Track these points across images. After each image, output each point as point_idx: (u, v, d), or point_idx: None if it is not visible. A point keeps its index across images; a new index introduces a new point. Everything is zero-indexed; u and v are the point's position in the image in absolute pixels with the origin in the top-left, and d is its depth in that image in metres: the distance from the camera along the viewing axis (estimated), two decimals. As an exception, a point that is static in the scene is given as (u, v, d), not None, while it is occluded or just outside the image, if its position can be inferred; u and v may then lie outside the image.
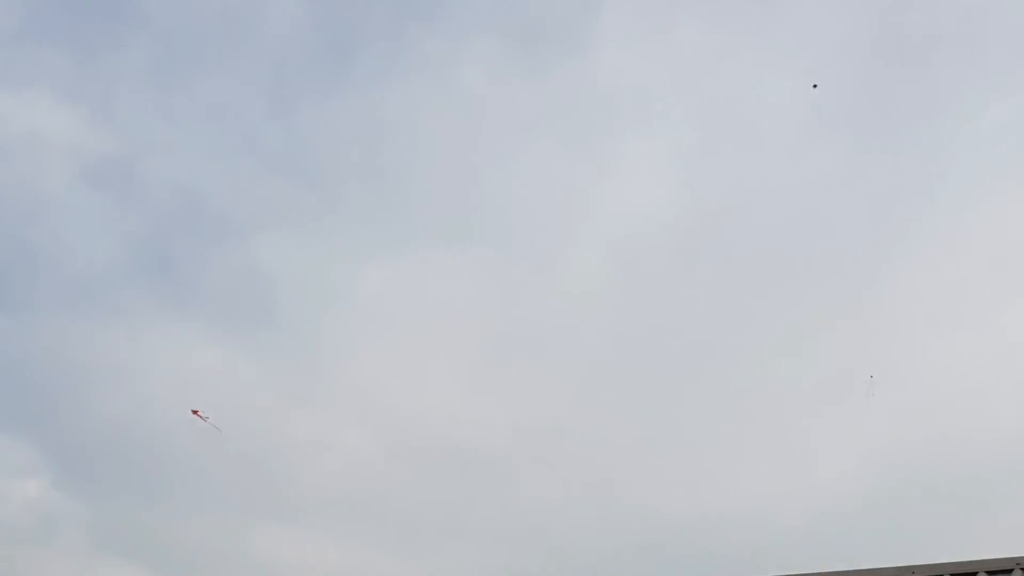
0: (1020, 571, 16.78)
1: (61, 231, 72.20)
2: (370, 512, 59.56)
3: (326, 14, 75.83)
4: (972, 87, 68.19)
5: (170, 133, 73.88)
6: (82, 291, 70.46)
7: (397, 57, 74.76)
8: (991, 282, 62.69)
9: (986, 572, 17.01)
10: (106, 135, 72.94)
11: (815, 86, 46.22)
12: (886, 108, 66.32)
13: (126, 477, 62.12)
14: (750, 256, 66.12)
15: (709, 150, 70.30)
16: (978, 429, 56.01)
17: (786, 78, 67.81)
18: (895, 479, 54.73)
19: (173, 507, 60.02)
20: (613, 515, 55.78)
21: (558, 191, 71.05)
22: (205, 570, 55.92)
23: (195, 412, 43.64)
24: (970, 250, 63.02)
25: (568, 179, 71.22)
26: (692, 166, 70.11)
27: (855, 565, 18.33)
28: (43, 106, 71.88)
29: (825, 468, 56.51)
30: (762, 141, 67.75)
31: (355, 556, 56.69)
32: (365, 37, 75.59)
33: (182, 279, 72.13)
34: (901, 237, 63.55)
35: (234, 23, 75.51)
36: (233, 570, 55.59)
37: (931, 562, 17.66)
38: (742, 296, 64.86)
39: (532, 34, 74.18)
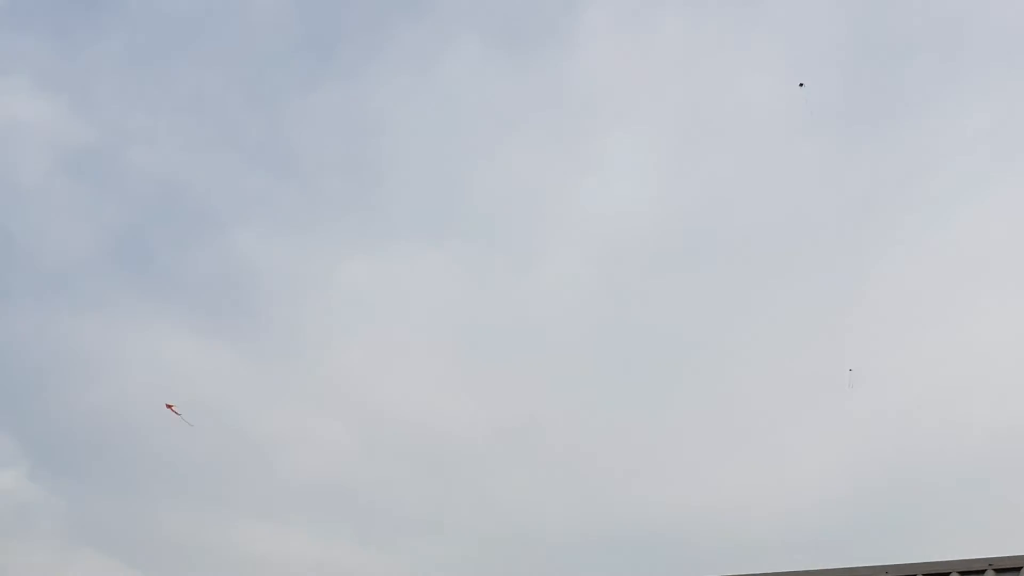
0: (993, 572, 16.81)
1: (38, 221, 71.84)
2: (348, 506, 59.52)
3: (309, 6, 75.69)
4: (953, 90, 68.62)
5: (150, 123, 73.61)
6: (59, 282, 70.16)
7: (380, 51, 74.69)
8: (969, 283, 63.11)
9: (959, 572, 17.04)
10: (85, 125, 72.61)
11: (801, 84, 46.24)
12: (868, 109, 66.65)
13: (103, 469, 61.90)
14: (730, 255, 66.35)
15: (691, 148, 70.51)
16: (953, 430, 56.35)
17: (768, 77, 68.07)
18: (870, 479, 55.00)
19: (150, 500, 59.81)
20: (591, 512, 55.88)
21: (539, 188, 71.13)
22: (181, 563, 55.72)
23: (169, 406, 43.64)
24: (950, 251, 63.40)
25: (550, 176, 71.30)
26: (674, 164, 70.30)
27: (829, 564, 18.32)
28: (22, 95, 71.48)
29: (801, 467, 56.76)
30: (743, 140, 68.00)
31: (332, 550, 56.60)
32: (348, 30, 75.49)
33: (160, 271, 71.93)
34: (881, 237, 63.88)
35: (216, 13, 75.27)
36: (210, 562, 55.41)
37: (904, 562, 17.69)
38: (722, 295, 65.08)
39: (515, 31, 74.25)
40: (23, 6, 74.17)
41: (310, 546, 57.19)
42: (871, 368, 53.14)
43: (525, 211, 70.79)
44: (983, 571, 16.97)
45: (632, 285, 66.72)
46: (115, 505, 60.21)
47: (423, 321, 67.26)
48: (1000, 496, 49.30)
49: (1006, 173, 64.74)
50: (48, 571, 53.86)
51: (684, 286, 66.16)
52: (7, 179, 71.72)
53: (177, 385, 57.88)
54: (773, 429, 58.62)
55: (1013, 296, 60.36)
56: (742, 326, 63.79)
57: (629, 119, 71.21)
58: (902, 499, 51.54)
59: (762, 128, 67.28)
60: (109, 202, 72.91)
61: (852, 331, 58.85)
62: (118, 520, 59.02)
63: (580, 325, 66.34)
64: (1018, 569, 16.67)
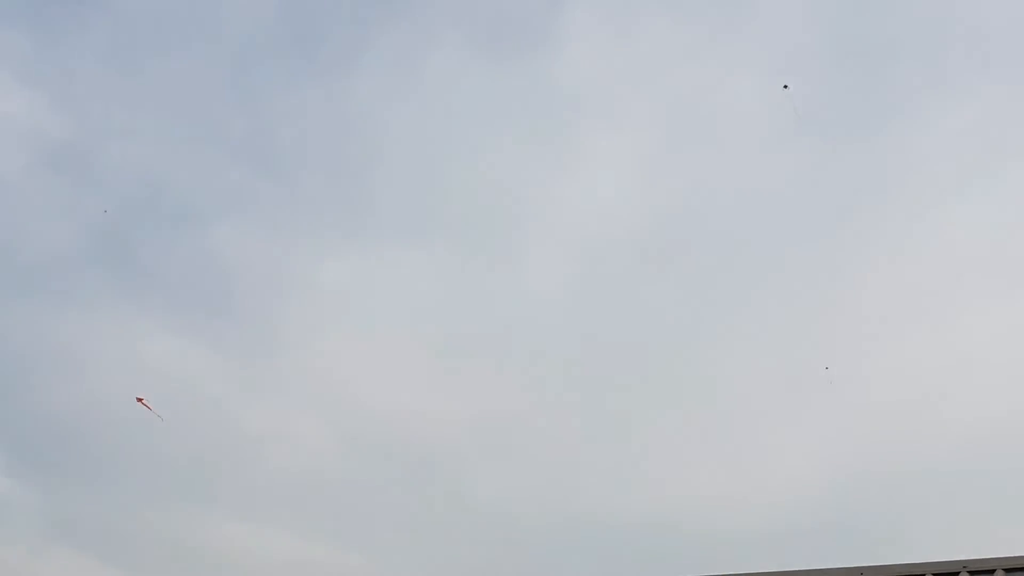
0: (967, 573, 16.88)
1: (17, 215, 71.44)
2: (325, 503, 59.40)
3: (293, 5, 75.51)
4: (934, 93, 68.90)
5: (131, 119, 73.35)
6: (37, 276, 69.80)
7: (363, 49, 74.59)
8: (951, 283, 63.42)
9: (933, 574, 17.11)
10: (66, 119, 72.31)
11: (786, 87, 46.29)
12: (850, 110, 66.90)
13: (80, 465, 61.64)
14: (711, 255, 66.52)
15: (673, 148, 70.63)
16: (934, 430, 56.61)
17: (750, 79, 68.27)
18: (846, 483, 55.22)
19: (128, 496, 59.60)
20: (569, 511, 55.94)
21: (522, 187, 71.15)
22: (159, 560, 55.53)
23: (139, 400, 43.59)
24: (932, 251, 63.73)
25: (532, 175, 71.33)
26: (656, 164, 70.41)
27: (806, 565, 18.38)
28: (2, 90, 71.11)
29: (778, 470, 56.93)
30: (725, 140, 68.15)
31: (309, 547, 56.49)
32: (331, 27, 75.35)
33: (139, 266, 71.66)
34: (863, 237, 64.13)
35: (199, 10, 75.02)
36: (188, 559, 55.23)
37: (880, 564, 17.74)
38: (703, 296, 65.22)
39: (498, 30, 74.24)
40: (4, 0, 73.84)
41: (289, 542, 57.11)
42: (853, 368, 53.45)
43: (507, 210, 70.84)
44: (957, 573, 17.04)
45: (613, 284, 66.86)
46: (92, 501, 60.02)
47: (404, 319, 67.27)
48: (978, 496, 49.66)
49: (987, 174, 65.15)
50: (23, 568, 53.62)
51: (665, 285, 66.35)
52: (-14, 173, 71.34)
53: (156, 381, 57.80)
54: (754, 427, 58.82)
55: (995, 296, 60.81)
56: (723, 325, 64.01)
57: (612, 120, 71.34)
58: (878, 502, 51.80)
59: (744, 129, 67.55)
60: (89, 196, 72.58)
61: (834, 331, 59.14)
62: (95, 516, 58.83)
63: (561, 323, 66.46)
64: (992, 571, 16.77)
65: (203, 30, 74.63)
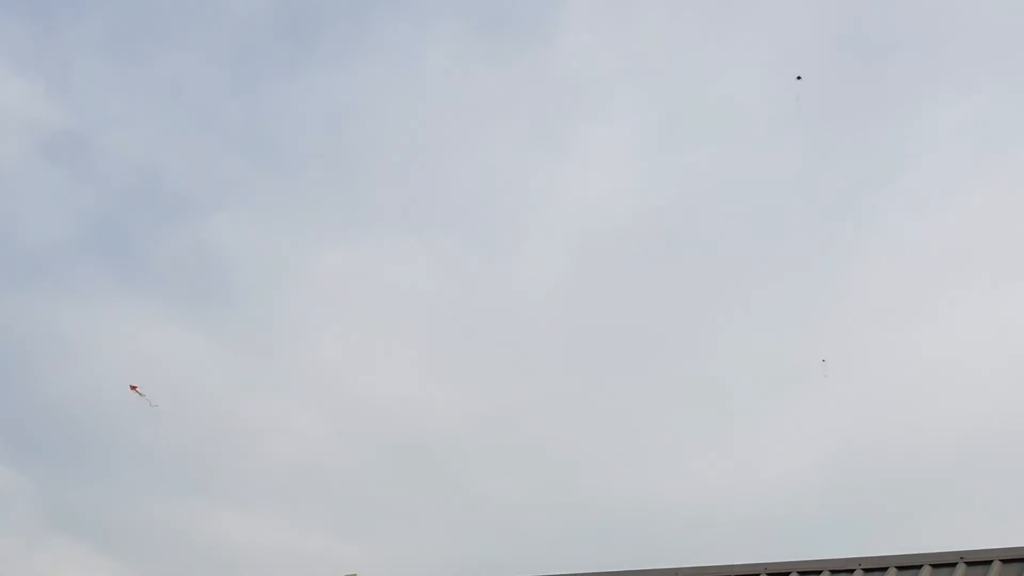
0: (964, 565, 16.83)
1: (13, 205, 71.27)
2: (322, 496, 59.43)
3: (289, -7, 75.24)
4: (931, 87, 68.88)
5: (128, 108, 73.07)
6: (33, 266, 69.60)
7: (361, 39, 74.39)
8: (946, 280, 63.44)
9: (931, 566, 17.05)
10: (62, 108, 72.04)
11: (799, 77, 46.30)
12: (846, 104, 66.76)
13: (75, 454, 61.59)
14: (709, 249, 66.44)
15: (670, 141, 70.56)
16: (928, 425, 56.70)
17: (748, 72, 68.16)
18: (843, 472, 55.31)
19: (122, 486, 59.61)
20: (567, 503, 55.97)
21: (518, 179, 71.05)
22: (155, 550, 55.58)
23: (133, 388, 43.69)
24: (927, 247, 63.70)
25: (528, 167, 71.22)
26: (654, 157, 70.33)
27: (801, 556, 18.35)
28: (-2, 77, 70.83)
29: (775, 460, 56.99)
30: (723, 134, 68.03)
31: (306, 540, 56.51)
32: (329, 17, 75.08)
33: (135, 256, 71.47)
34: (859, 233, 64.08)
35: (195, -1, 74.73)
36: (184, 550, 55.28)
37: (876, 554, 17.71)
38: (699, 288, 65.17)
39: (497, 21, 74.04)
40: (0, -13, 73.50)
41: (285, 534, 57.15)
42: (847, 363, 53.49)
43: (503, 202, 70.75)
44: (954, 564, 16.99)
45: (609, 277, 66.81)
46: (89, 491, 60.03)
47: (400, 310, 67.23)
48: (971, 492, 49.75)
49: (985, 170, 65.16)
50: (19, 557, 53.62)
51: (661, 279, 66.27)
52: (-18, 162, 71.14)
53: (152, 371, 57.66)
54: (749, 422, 58.89)
55: (989, 293, 60.80)
56: (719, 320, 64.00)
57: (608, 111, 71.25)
58: (875, 492, 51.88)
59: (742, 122, 67.42)
60: (85, 186, 72.43)
61: (829, 326, 59.17)
62: (92, 507, 58.86)
63: (557, 316, 66.42)
64: (989, 562, 16.71)
65: (202, 20, 74.44)
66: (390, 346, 65.64)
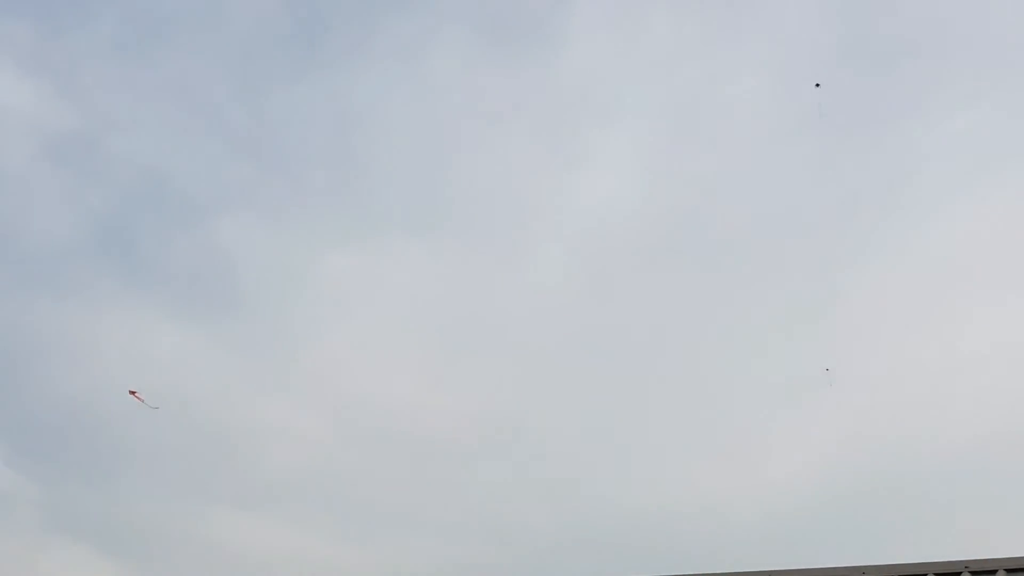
0: (969, 574, 16.84)
1: (21, 206, 71.43)
2: (327, 498, 59.38)
3: (297, -3, 75.39)
4: (939, 93, 68.79)
5: (135, 111, 73.24)
6: (41, 268, 69.76)
7: (368, 43, 74.49)
8: (952, 286, 63.34)
9: (935, 574, 17.06)
10: (70, 111, 72.22)
11: (817, 85, 46.51)
12: (855, 110, 66.72)
13: (80, 456, 61.64)
14: (715, 253, 66.44)
15: (677, 146, 70.54)
16: (931, 433, 56.56)
17: (754, 78, 68.19)
18: (848, 480, 55.20)
19: (126, 488, 59.59)
20: (568, 507, 55.93)
21: (525, 183, 71.07)
22: (157, 551, 55.56)
23: (132, 392, 43.68)
24: (932, 254, 63.62)
25: (536, 171, 71.26)
26: (660, 162, 70.33)
27: (807, 564, 18.33)
28: (6, 80, 71.04)
29: (780, 467, 56.93)
30: (729, 138, 68.07)
31: (310, 541, 56.51)
32: (336, 22, 75.25)
33: (143, 259, 71.61)
34: (866, 239, 64.04)
35: (203, 2, 74.94)
36: (186, 552, 55.26)
37: (882, 563, 17.70)
38: (705, 293, 65.17)
39: (504, 26, 74.11)
40: (8, -10, 73.74)
41: (287, 536, 57.12)
42: (852, 369, 53.39)
43: (510, 206, 70.79)
44: (959, 573, 17.01)
45: (615, 281, 66.81)
46: (92, 493, 60.04)
47: (405, 314, 67.26)
48: (980, 496, 49.64)
49: (989, 177, 65.06)
50: (22, 558, 53.67)
51: (667, 283, 66.29)
52: (-10, 164, 71.31)
53: (156, 373, 57.78)
54: (753, 428, 58.79)
55: (995, 299, 60.71)
56: (725, 324, 63.96)
57: (616, 116, 71.27)
58: (880, 501, 51.76)
59: (748, 128, 67.46)
60: (93, 188, 72.60)
61: (834, 332, 59.11)
62: (94, 508, 58.84)
63: (562, 320, 66.44)
64: (994, 572, 16.73)
65: (208, 22, 74.60)
66: (397, 350, 65.74)
